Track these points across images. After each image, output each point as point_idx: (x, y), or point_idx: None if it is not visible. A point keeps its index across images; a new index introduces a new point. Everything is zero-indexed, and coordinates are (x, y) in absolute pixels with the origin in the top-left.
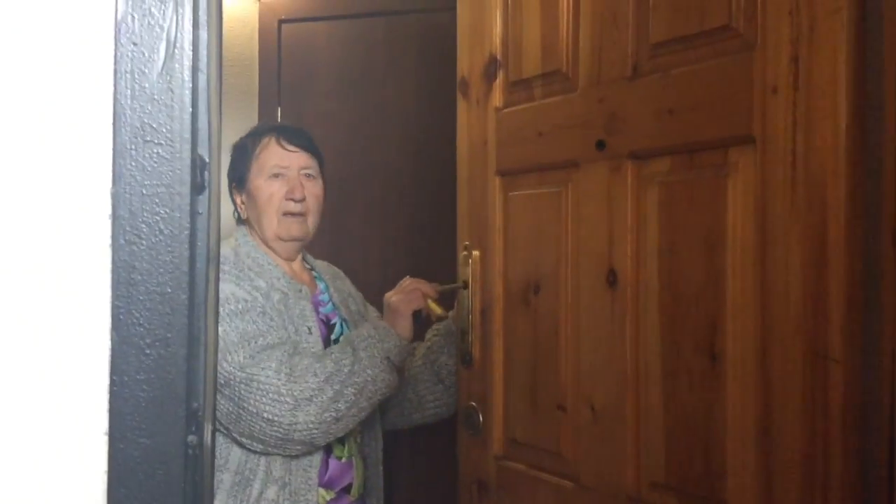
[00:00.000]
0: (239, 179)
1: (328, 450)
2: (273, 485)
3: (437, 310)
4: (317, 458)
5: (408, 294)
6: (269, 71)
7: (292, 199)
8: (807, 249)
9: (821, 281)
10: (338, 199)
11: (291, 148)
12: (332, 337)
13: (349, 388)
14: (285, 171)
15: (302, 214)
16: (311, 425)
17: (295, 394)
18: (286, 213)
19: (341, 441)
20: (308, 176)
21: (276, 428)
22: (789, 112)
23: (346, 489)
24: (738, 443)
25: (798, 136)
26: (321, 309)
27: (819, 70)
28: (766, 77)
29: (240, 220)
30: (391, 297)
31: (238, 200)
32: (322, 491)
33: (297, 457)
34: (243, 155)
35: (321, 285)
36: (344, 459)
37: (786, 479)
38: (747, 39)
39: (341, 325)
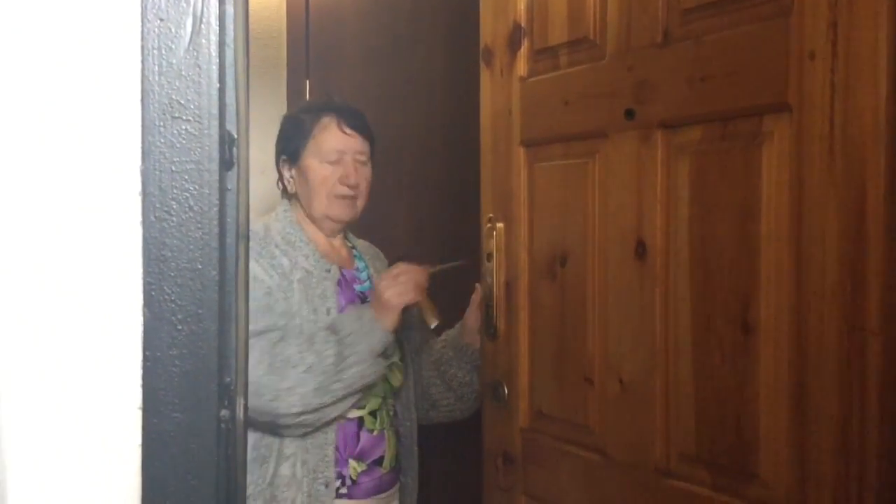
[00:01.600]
0: (292, 154)
1: (359, 423)
2: (285, 462)
3: (430, 317)
4: (331, 436)
5: (402, 286)
6: (296, 43)
7: (346, 185)
8: (844, 220)
9: (858, 252)
10: None
11: (350, 132)
12: None
13: (336, 384)
14: (342, 156)
15: (353, 198)
16: (294, 413)
17: (274, 385)
18: (338, 196)
19: (373, 414)
20: (361, 161)
21: (261, 415)
22: (827, 79)
23: (378, 462)
24: (771, 415)
25: (836, 103)
26: (356, 286)
27: (858, 35)
28: (802, 42)
29: (285, 192)
30: (384, 288)
31: (287, 174)
32: (353, 462)
33: (311, 435)
34: (298, 130)
35: (360, 263)
36: (376, 432)
37: (820, 453)
38: (783, 3)
39: None
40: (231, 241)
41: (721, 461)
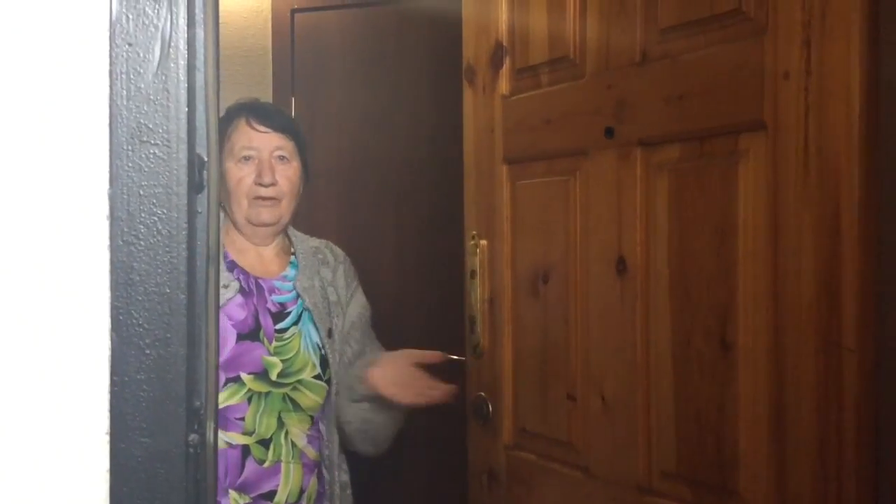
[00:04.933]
0: None
1: (244, 451)
2: None
3: None
4: None
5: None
6: (282, 60)
7: (261, 184)
8: (820, 237)
9: (834, 269)
10: (350, 186)
11: (262, 129)
12: (281, 326)
13: None
14: (255, 154)
15: (274, 199)
16: None
17: None
18: (256, 198)
19: (263, 443)
20: (281, 158)
21: None
22: (801, 97)
23: (268, 496)
24: (750, 432)
25: (810, 121)
26: (273, 297)
27: (831, 54)
28: (777, 62)
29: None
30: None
31: None
32: (234, 494)
33: None
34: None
35: (292, 272)
36: (267, 464)
37: (799, 469)
38: (758, 23)
39: (300, 315)
40: (201, 264)
41: (702, 478)
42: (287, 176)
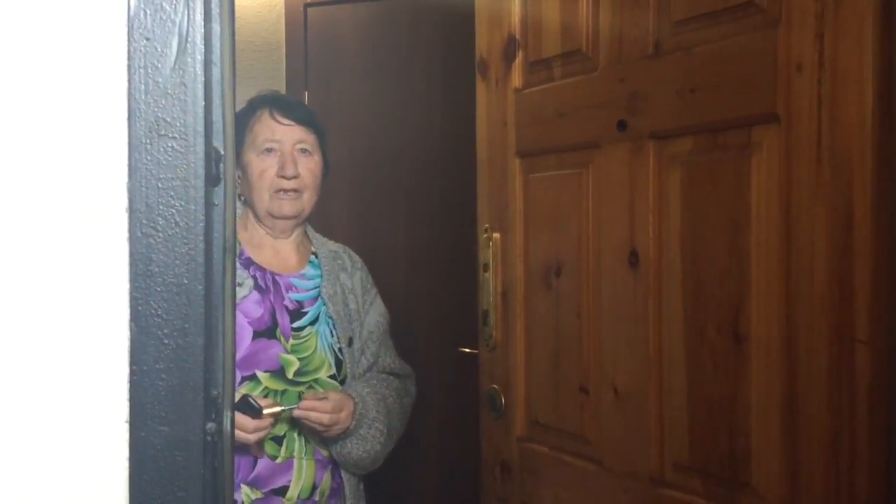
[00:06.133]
0: (236, 153)
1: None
2: None
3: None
4: None
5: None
6: (295, 55)
7: (284, 177)
8: (833, 229)
9: (847, 261)
10: (363, 179)
11: (285, 121)
12: (298, 324)
13: None
14: (277, 146)
15: (296, 191)
16: None
17: None
18: (279, 191)
19: (277, 440)
20: (303, 151)
21: None
22: (814, 90)
23: (280, 491)
24: (763, 424)
25: (823, 114)
26: (290, 294)
27: (845, 46)
28: (790, 54)
29: (240, 197)
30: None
31: (236, 175)
32: (246, 488)
33: None
34: (238, 127)
35: (312, 271)
36: (280, 460)
37: (812, 461)
38: (771, 15)
39: (317, 317)
40: (217, 256)
41: (714, 470)
42: (309, 168)
